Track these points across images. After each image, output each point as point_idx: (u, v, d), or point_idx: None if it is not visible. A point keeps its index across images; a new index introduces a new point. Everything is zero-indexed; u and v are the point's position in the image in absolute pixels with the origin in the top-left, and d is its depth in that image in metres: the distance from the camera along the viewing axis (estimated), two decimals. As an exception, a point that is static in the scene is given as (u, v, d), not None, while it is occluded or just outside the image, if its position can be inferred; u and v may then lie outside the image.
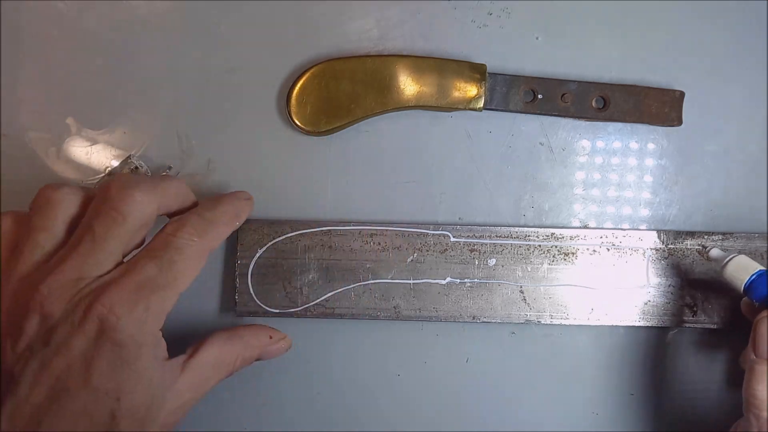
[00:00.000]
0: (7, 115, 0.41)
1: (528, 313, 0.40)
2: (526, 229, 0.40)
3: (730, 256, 0.35)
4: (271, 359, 0.39)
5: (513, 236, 0.40)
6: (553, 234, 0.40)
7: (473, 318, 0.40)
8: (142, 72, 0.41)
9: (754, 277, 0.34)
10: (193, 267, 0.33)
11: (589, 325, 0.41)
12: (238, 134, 0.41)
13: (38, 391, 0.29)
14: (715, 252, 0.36)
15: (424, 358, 0.41)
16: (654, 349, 0.41)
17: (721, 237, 0.40)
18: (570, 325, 0.40)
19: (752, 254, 0.40)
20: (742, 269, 0.34)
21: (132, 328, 0.30)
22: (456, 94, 0.40)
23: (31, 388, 0.29)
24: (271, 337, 0.37)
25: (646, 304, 0.40)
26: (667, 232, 0.40)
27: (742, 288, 0.34)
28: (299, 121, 0.40)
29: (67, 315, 0.30)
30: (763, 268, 0.34)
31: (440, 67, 0.40)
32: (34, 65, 0.41)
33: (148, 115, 0.41)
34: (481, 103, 0.40)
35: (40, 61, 0.41)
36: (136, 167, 0.40)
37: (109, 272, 0.31)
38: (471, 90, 0.40)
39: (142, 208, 0.32)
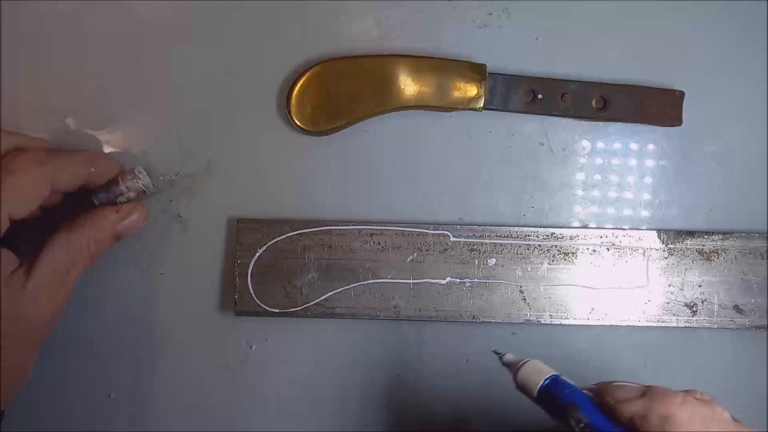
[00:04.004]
0: (7, 115, 0.41)
1: (528, 313, 0.40)
2: (526, 228, 0.40)
3: (523, 361, 0.31)
4: (265, 360, 0.40)
5: (513, 236, 0.40)
6: (553, 234, 0.40)
7: (473, 318, 0.40)
8: (142, 72, 0.41)
9: (547, 381, 0.30)
10: (29, 192, 0.33)
11: (589, 325, 0.41)
12: (238, 134, 0.41)
13: None
14: (508, 357, 0.32)
15: (424, 358, 0.41)
16: (654, 349, 0.41)
17: (721, 237, 0.40)
18: (570, 325, 0.40)
19: (752, 254, 0.40)
20: (534, 373, 0.31)
21: None
22: (456, 94, 0.40)
23: None
24: (118, 212, 0.36)
25: (646, 304, 0.40)
26: (667, 232, 0.40)
27: (536, 392, 0.30)
28: (299, 121, 0.40)
29: None
30: (555, 372, 0.31)
31: (440, 67, 0.40)
32: (34, 65, 0.41)
33: (148, 115, 0.41)
34: (481, 103, 0.40)
35: (40, 61, 0.41)
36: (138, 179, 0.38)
37: None
38: (471, 90, 0.40)
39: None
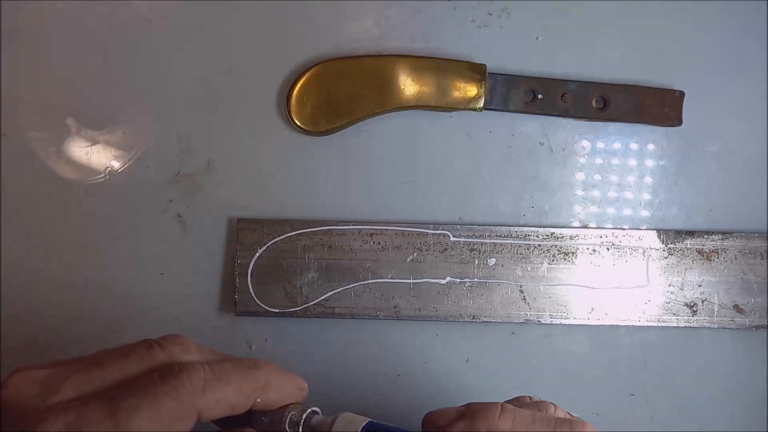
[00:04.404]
0: (7, 115, 0.41)
1: (528, 313, 0.40)
2: (526, 228, 0.40)
3: (333, 417, 0.30)
4: (262, 359, 0.39)
5: (513, 236, 0.40)
6: (553, 233, 0.40)
7: (473, 318, 0.40)
8: (142, 72, 0.41)
9: (365, 429, 0.29)
10: (161, 421, 0.24)
11: (589, 325, 0.41)
12: (238, 134, 0.41)
13: None
14: (315, 420, 0.30)
15: (424, 358, 0.41)
16: (654, 349, 0.41)
17: (721, 237, 0.40)
18: (570, 324, 0.40)
19: (752, 254, 0.40)
20: (350, 425, 0.29)
21: None
22: (456, 94, 0.40)
23: None
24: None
25: (646, 304, 0.40)
26: (667, 231, 0.40)
27: None
28: (299, 121, 0.40)
29: None
30: (369, 419, 0.29)
31: (440, 67, 0.40)
32: (34, 65, 0.41)
33: (148, 115, 0.41)
34: (481, 103, 0.40)
35: (40, 61, 0.41)
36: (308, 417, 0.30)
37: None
38: (471, 90, 0.40)
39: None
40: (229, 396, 0.26)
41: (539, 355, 0.41)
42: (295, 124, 0.40)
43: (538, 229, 0.40)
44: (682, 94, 0.41)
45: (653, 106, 0.41)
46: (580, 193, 0.42)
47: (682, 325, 0.40)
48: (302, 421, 0.29)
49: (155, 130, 0.41)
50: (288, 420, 0.28)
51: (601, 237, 0.40)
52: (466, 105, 0.40)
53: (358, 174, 0.41)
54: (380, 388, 0.41)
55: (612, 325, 0.40)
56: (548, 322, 0.40)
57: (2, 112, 0.41)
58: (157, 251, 0.41)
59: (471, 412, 0.28)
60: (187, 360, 0.27)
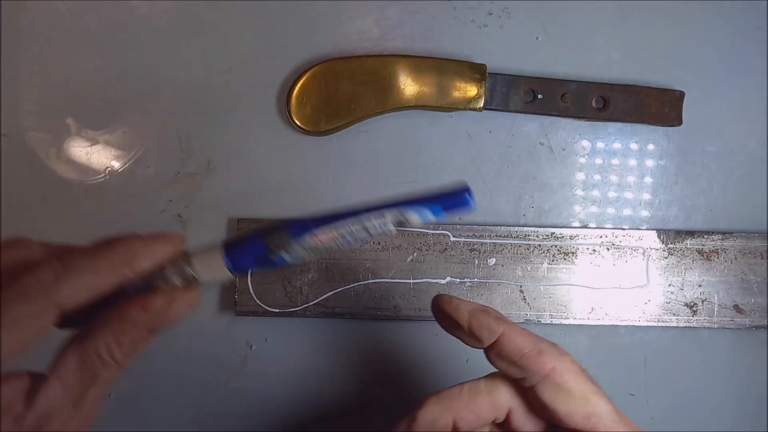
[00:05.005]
0: (7, 115, 0.41)
1: (528, 313, 0.40)
2: (526, 228, 0.40)
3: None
4: (265, 360, 0.39)
5: (513, 236, 0.40)
6: (553, 234, 0.40)
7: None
8: (142, 72, 0.41)
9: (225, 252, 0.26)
10: (24, 328, 0.25)
11: (589, 325, 0.41)
12: (238, 134, 0.41)
13: None
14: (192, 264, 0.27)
15: (424, 358, 0.41)
16: (654, 349, 0.41)
17: (720, 237, 0.40)
18: (570, 324, 0.40)
19: (752, 254, 0.40)
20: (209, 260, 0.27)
21: None
22: (456, 94, 0.40)
23: None
24: (145, 309, 0.27)
25: (646, 304, 0.40)
26: (667, 231, 0.40)
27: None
28: (299, 121, 0.40)
29: None
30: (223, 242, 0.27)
31: (440, 67, 0.40)
32: (34, 65, 0.41)
33: (148, 115, 0.41)
34: (481, 103, 0.40)
35: (40, 61, 0.41)
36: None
37: None
38: (471, 90, 0.40)
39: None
40: (86, 281, 0.26)
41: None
42: (295, 124, 0.40)
43: (538, 229, 0.40)
44: (682, 94, 0.41)
45: (653, 106, 0.41)
46: (580, 193, 0.42)
47: (682, 325, 0.40)
48: (177, 274, 0.27)
49: (155, 130, 0.41)
50: (164, 279, 0.27)
51: (601, 237, 0.40)
52: (466, 105, 0.40)
53: (358, 174, 0.41)
54: (380, 388, 0.41)
55: (612, 325, 0.40)
56: (548, 322, 0.40)
57: (2, 112, 0.41)
58: (157, 251, 0.41)
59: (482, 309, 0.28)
60: (33, 259, 0.26)
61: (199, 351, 0.40)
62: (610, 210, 0.42)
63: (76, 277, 0.26)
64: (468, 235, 0.40)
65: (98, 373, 0.27)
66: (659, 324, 0.40)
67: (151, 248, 0.27)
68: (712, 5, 0.42)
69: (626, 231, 0.40)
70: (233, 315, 0.40)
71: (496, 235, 0.40)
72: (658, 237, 0.40)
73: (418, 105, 0.40)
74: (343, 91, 0.40)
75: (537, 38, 0.42)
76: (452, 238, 0.40)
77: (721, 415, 0.41)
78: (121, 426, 0.40)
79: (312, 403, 0.41)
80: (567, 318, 0.40)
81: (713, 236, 0.40)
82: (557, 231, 0.40)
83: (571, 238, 0.40)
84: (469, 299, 0.40)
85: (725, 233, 0.40)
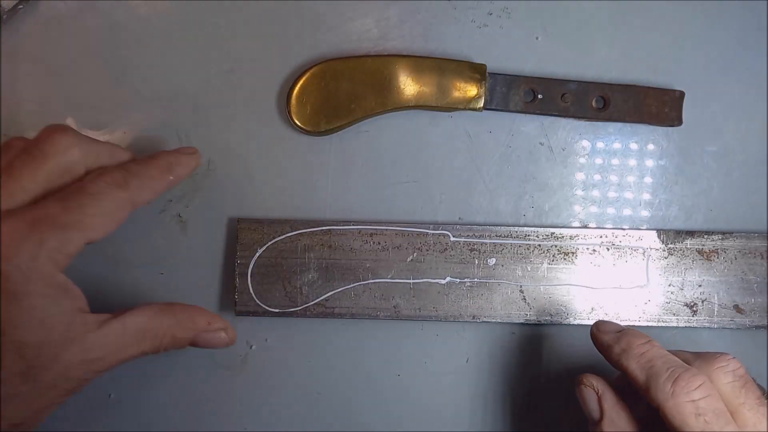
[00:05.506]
0: (7, 115, 0.41)
1: (528, 313, 0.40)
2: (525, 228, 0.40)
3: None
4: (265, 360, 0.39)
5: (513, 236, 0.40)
6: (553, 233, 0.40)
7: (473, 318, 0.40)
8: (142, 72, 0.41)
9: None
10: (109, 216, 0.32)
11: (589, 325, 0.40)
12: (238, 134, 0.41)
13: None
14: None
15: (424, 358, 0.41)
16: (654, 349, 0.41)
17: (720, 237, 0.40)
18: (570, 324, 0.40)
19: (752, 254, 0.40)
20: None
21: (19, 259, 0.29)
22: (456, 94, 0.40)
23: None
24: (209, 324, 0.35)
25: (646, 304, 0.40)
26: (667, 231, 0.40)
27: None
28: (299, 121, 0.40)
29: None
30: None
31: (440, 67, 0.40)
32: (34, 65, 0.41)
33: (148, 115, 0.41)
34: (481, 103, 0.40)
35: (40, 61, 0.41)
36: None
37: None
38: (471, 90, 0.40)
39: (65, 151, 0.32)
40: (148, 183, 0.34)
41: (539, 356, 0.41)
42: (295, 124, 0.40)
43: (538, 229, 0.40)
44: (682, 94, 0.41)
45: (653, 106, 0.41)
46: (580, 193, 0.42)
47: (682, 325, 0.40)
48: None
49: (155, 130, 0.41)
50: None
51: (601, 237, 0.40)
52: (466, 105, 0.40)
53: (358, 174, 0.41)
54: (380, 388, 0.41)
55: (612, 325, 0.40)
56: (548, 322, 0.40)
57: (2, 112, 0.41)
58: (157, 251, 0.41)
59: (624, 332, 0.33)
60: (103, 165, 0.34)
61: (199, 351, 0.40)
62: (610, 210, 0.42)
63: (140, 180, 0.33)
64: (468, 235, 0.40)
65: (144, 343, 0.33)
66: (659, 324, 0.40)
67: (183, 159, 0.36)
68: (712, 5, 0.42)
69: (626, 231, 0.40)
70: (233, 315, 0.40)
71: (496, 235, 0.40)
72: (658, 237, 0.40)
73: (418, 105, 0.40)
74: (343, 91, 0.40)
75: (537, 38, 0.42)
76: (452, 238, 0.40)
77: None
78: (121, 426, 0.40)
79: (312, 403, 0.41)
80: (567, 318, 0.40)
81: (713, 236, 0.40)
82: (557, 231, 0.40)
83: (571, 238, 0.40)
84: (469, 299, 0.40)
85: (725, 233, 0.40)
